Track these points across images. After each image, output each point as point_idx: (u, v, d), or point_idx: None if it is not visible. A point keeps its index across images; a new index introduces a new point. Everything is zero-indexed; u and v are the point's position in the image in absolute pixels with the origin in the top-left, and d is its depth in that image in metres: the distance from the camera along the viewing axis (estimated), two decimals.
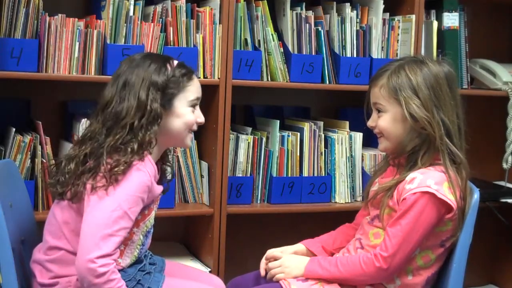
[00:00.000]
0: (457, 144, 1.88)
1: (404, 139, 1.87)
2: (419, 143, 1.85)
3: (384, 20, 2.69)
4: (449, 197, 1.79)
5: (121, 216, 1.69)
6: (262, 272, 2.00)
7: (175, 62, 1.88)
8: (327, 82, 2.63)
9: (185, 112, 1.86)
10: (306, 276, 1.89)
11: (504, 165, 2.97)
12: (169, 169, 2.03)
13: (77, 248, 1.70)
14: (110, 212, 1.68)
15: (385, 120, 1.89)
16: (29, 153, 2.23)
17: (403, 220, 1.78)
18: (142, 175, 1.75)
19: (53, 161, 1.94)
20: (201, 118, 1.91)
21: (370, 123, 1.95)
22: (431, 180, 1.79)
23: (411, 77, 1.85)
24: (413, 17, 2.68)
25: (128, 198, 1.71)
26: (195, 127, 1.91)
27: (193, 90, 1.87)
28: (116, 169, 1.71)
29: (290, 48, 2.56)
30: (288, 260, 1.95)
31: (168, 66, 1.84)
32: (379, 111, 1.91)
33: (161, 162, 1.96)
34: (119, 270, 1.77)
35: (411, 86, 1.84)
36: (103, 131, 1.78)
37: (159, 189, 1.86)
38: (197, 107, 1.91)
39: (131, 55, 1.93)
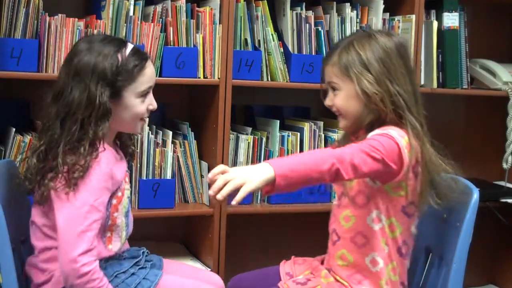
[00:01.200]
0: (414, 112, 1.84)
1: (360, 114, 1.85)
2: (375, 117, 1.84)
3: (384, 20, 2.69)
4: (405, 151, 1.77)
5: (89, 211, 1.71)
6: (211, 193, 1.61)
7: (129, 47, 1.83)
8: None
9: (134, 104, 1.83)
10: (277, 173, 1.60)
11: (504, 165, 2.97)
12: (128, 140, 2.01)
13: None
14: (77, 210, 1.70)
15: (340, 98, 1.88)
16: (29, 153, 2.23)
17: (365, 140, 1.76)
18: (99, 167, 1.75)
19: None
20: (152, 105, 1.88)
21: (327, 102, 1.93)
22: (392, 131, 1.78)
23: (360, 53, 1.84)
24: (413, 17, 2.68)
25: (92, 191, 1.73)
26: (146, 115, 1.88)
27: (143, 81, 1.83)
28: (75, 174, 1.71)
29: (290, 48, 2.56)
30: (239, 169, 1.63)
31: (119, 55, 1.79)
32: (334, 89, 1.90)
33: (119, 140, 1.96)
34: (114, 258, 1.83)
35: (361, 62, 1.83)
36: (57, 122, 1.77)
37: (122, 168, 1.87)
38: (150, 94, 1.88)
39: (87, 36, 1.91)
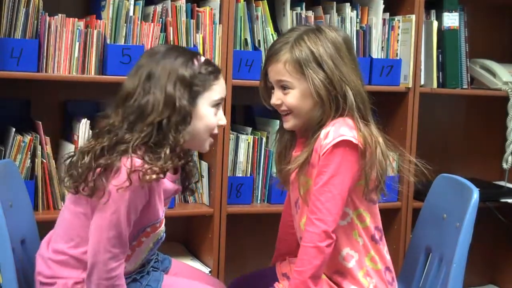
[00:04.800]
0: (365, 106, 1.82)
1: (313, 113, 1.81)
2: (326, 115, 1.80)
3: (384, 20, 2.69)
4: (360, 141, 1.76)
5: (123, 218, 1.65)
6: None
7: (202, 58, 1.77)
8: None
9: (208, 114, 1.74)
10: None
11: (504, 165, 2.97)
12: (194, 169, 1.93)
13: (81, 256, 1.73)
14: (110, 215, 1.65)
15: (294, 97, 1.82)
16: (29, 153, 2.23)
17: (331, 179, 1.74)
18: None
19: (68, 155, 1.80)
20: (223, 121, 1.79)
21: (274, 101, 1.86)
22: (344, 128, 1.76)
23: (313, 49, 1.79)
24: (413, 17, 2.67)
25: (126, 197, 1.64)
26: (216, 131, 1.79)
27: (218, 90, 1.76)
28: (147, 177, 1.62)
29: None
30: None
31: (195, 61, 1.73)
32: (284, 87, 1.83)
33: (184, 168, 1.88)
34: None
35: (315, 59, 1.78)
36: (123, 125, 1.67)
37: (169, 190, 1.79)
38: (220, 109, 1.79)
39: (153, 47, 1.84)
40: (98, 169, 1.64)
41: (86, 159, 1.66)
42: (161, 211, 1.79)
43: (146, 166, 1.64)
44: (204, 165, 2.53)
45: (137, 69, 1.73)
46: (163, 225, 1.84)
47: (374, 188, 1.83)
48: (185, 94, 1.69)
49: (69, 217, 1.76)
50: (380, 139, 1.82)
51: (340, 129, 1.76)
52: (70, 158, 1.77)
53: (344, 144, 1.74)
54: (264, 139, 2.57)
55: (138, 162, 1.64)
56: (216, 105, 1.77)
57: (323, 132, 1.78)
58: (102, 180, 1.64)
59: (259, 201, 2.61)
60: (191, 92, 1.70)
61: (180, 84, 1.68)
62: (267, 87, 1.91)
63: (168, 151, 1.66)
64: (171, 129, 1.67)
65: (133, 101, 1.68)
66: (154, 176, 1.64)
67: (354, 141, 1.75)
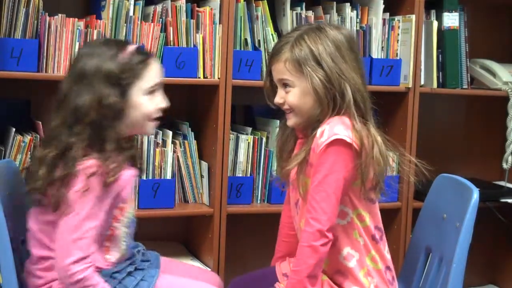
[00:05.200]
0: (365, 105, 1.82)
1: (313, 111, 1.82)
2: (325, 113, 1.81)
3: (384, 20, 2.70)
4: (355, 141, 1.76)
5: (84, 218, 1.68)
6: None
7: (132, 47, 1.80)
8: None
9: (142, 102, 1.78)
10: None
11: (504, 165, 2.97)
12: (138, 151, 1.95)
13: None
14: (72, 217, 1.68)
15: (295, 95, 1.83)
16: (29, 153, 2.23)
17: (325, 178, 1.74)
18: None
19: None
20: (161, 104, 1.82)
21: (277, 100, 1.88)
22: (339, 127, 1.76)
23: (312, 48, 1.80)
24: (413, 17, 2.68)
25: (86, 198, 1.68)
26: (156, 115, 1.83)
27: (149, 77, 1.79)
28: (110, 178, 1.68)
29: None
30: None
31: (122, 53, 1.76)
32: (286, 86, 1.85)
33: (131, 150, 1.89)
34: (111, 270, 1.78)
35: (314, 57, 1.80)
36: (65, 129, 1.72)
37: (128, 174, 1.80)
38: (158, 92, 1.82)
39: (90, 42, 1.89)
40: (58, 182, 1.69)
41: (43, 170, 1.71)
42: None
43: (102, 168, 1.69)
44: (204, 165, 2.53)
45: (72, 66, 1.79)
46: (131, 207, 1.86)
47: (372, 188, 1.83)
48: (115, 90, 1.73)
49: (39, 227, 1.78)
50: (379, 139, 1.82)
51: (335, 128, 1.76)
52: (28, 169, 1.81)
53: (338, 143, 1.75)
54: (264, 139, 2.57)
55: (92, 163, 1.69)
56: (150, 92, 1.80)
57: (319, 130, 1.79)
58: (63, 192, 1.69)
59: (259, 201, 2.61)
60: (121, 85, 1.74)
61: (109, 80, 1.73)
62: (272, 87, 1.93)
63: (112, 146, 1.71)
64: (108, 126, 1.72)
65: (69, 103, 1.73)
66: (116, 176, 1.70)
67: (348, 140, 1.75)
